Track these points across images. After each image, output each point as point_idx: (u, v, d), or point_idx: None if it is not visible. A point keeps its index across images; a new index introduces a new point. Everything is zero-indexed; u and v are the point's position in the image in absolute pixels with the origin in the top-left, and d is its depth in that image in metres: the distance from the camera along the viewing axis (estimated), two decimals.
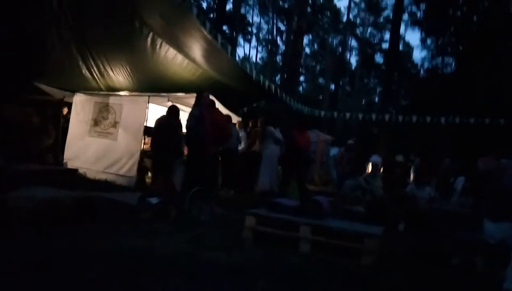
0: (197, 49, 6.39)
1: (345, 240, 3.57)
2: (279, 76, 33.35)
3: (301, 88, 38.66)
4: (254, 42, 41.17)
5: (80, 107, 7.65)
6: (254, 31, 39.41)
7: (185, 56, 6.71)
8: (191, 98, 6.72)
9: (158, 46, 6.30)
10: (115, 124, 7.17)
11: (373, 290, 2.79)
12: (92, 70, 6.99)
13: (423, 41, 26.83)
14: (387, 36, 31.99)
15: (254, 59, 40.65)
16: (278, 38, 39.10)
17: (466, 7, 19.85)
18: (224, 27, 28.54)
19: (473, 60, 17.51)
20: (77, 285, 2.24)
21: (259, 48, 42.80)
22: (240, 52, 39.36)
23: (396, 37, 19.80)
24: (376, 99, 39.04)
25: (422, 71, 28.38)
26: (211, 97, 6.76)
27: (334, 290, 2.75)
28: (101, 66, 6.89)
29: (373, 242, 3.48)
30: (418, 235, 4.95)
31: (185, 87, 7.11)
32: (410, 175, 10.29)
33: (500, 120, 10.64)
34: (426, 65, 26.65)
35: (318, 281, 2.93)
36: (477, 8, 19.62)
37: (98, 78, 7.26)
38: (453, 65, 22.33)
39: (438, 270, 3.60)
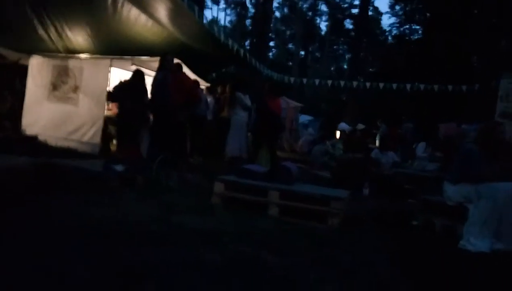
0: (162, 10, 6.08)
1: (312, 204, 3.65)
2: (248, 41, 32.67)
3: (270, 54, 38.20)
4: (222, 4, 39.80)
5: (37, 70, 7.19)
6: None
7: (149, 17, 6.39)
8: (156, 62, 6.47)
9: (119, 6, 5.94)
10: (75, 89, 6.80)
11: (337, 250, 2.88)
12: (49, 31, 6.54)
13: (391, 7, 26.95)
14: (357, 1, 31.80)
15: (222, 22, 39.56)
16: (247, 1, 38.04)
17: None
18: None
19: (438, 28, 17.82)
20: (44, 257, 2.15)
21: (228, 11, 41.58)
22: (208, 14, 38.11)
23: (366, 2, 19.75)
24: (345, 66, 39.30)
25: (390, 38, 28.65)
26: (178, 61, 6.54)
27: (302, 250, 2.82)
28: (58, 27, 6.45)
29: (338, 204, 3.58)
30: (382, 198, 5.13)
31: (150, 50, 6.80)
32: (375, 141, 10.59)
33: (462, 87, 11.00)
34: (394, 32, 26.88)
35: (286, 242, 3.00)
36: None
37: (56, 40, 6.81)
38: (419, 32, 22.65)
39: (400, 230, 3.77)
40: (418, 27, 22.72)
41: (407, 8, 22.86)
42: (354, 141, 7.96)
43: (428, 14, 21.03)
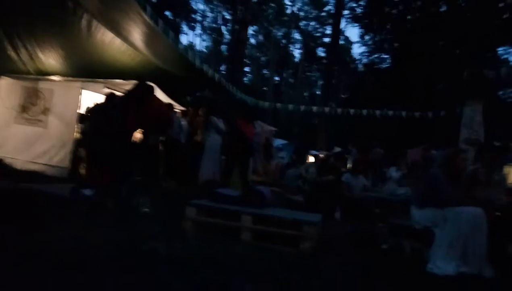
0: (136, 34, 6.12)
1: (285, 228, 3.66)
2: (224, 66, 33.07)
3: (245, 79, 38.71)
4: (198, 30, 40.29)
5: (6, 91, 7.02)
6: (199, 18, 38.59)
7: (123, 41, 6.41)
8: (128, 86, 6.44)
9: (93, 29, 5.96)
10: (45, 111, 6.67)
11: (310, 274, 2.89)
12: (19, 52, 6.45)
13: (361, 37, 28.07)
14: (329, 30, 32.95)
15: (198, 47, 39.93)
16: (223, 28, 38.70)
17: (401, 5, 21.03)
18: (167, 13, 27.62)
19: (406, 57, 18.68)
20: (7, 285, 2.05)
21: (204, 37, 42.10)
22: (184, 39, 38.40)
23: (337, 32, 20.54)
24: (318, 92, 40.27)
25: (360, 66, 29.69)
26: (150, 83, 6.55)
27: (274, 275, 2.80)
28: (29, 48, 6.39)
29: (311, 229, 3.60)
30: (353, 222, 5.21)
31: (124, 73, 6.79)
32: (346, 165, 10.78)
33: (428, 113, 11.48)
34: (364, 60, 27.91)
35: (258, 268, 2.98)
36: (411, 7, 20.90)
37: (26, 61, 6.71)
38: (388, 61, 23.61)
39: (370, 254, 3.82)
40: (387, 56, 23.70)
41: (376, 38, 23.86)
42: (327, 165, 8.09)
43: (396, 44, 22.03)
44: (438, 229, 3.50)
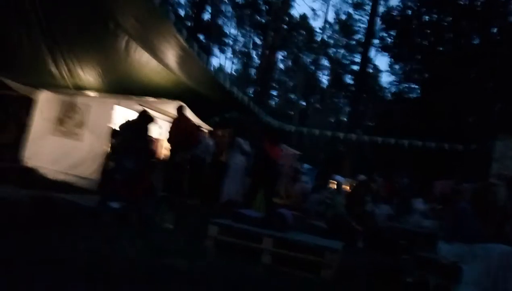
0: (171, 55, 6.36)
1: (306, 253, 3.63)
2: (252, 89, 33.58)
3: (273, 103, 39.08)
4: (229, 53, 41.26)
5: (45, 105, 7.39)
6: (230, 42, 39.60)
7: (158, 62, 6.67)
8: (161, 104, 6.66)
9: (131, 49, 6.21)
10: (81, 124, 6.96)
11: None
12: (62, 68, 6.79)
13: (391, 66, 27.96)
14: (357, 59, 33.04)
15: (228, 70, 40.77)
16: (254, 52, 39.48)
17: (433, 37, 20.91)
18: (201, 37, 28.53)
19: (436, 88, 18.43)
20: None
21: (234, 60, 43.03)
22: (215, 62, 39.38)
23: (366, 60, 20.59)
24: (344, 118, 40.04)
25: (389, 95, 29.44)
26: (181, 103, 6.78)
27: None
28: (71, 65, 6.71)
29: (333, 256, 3.56)
30: (376, 251, 5.09)
31: (156, 92, 7.04)
32: (371, 193, 10.60)
33: (458, 146, 11.20)
34: (393, 89, 27.68)
35: None
36: (443, 39, 20.74)
37: (67, 77, 7.06)
38: (417, 91, 23.32)
39: (393, 287, 3.72)
40: (416, 86, 23.45)
41: (406, 68, 23.70)
42: (356, 196, 7.98)
43: (426, 75, 21.81)
44: (465, 265, 3.38)
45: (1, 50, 6.28)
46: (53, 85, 7.37)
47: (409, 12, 21.79)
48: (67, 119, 7.12)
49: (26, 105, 7.59)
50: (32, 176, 6.46)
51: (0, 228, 3.20)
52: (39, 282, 2.29)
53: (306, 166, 19.00)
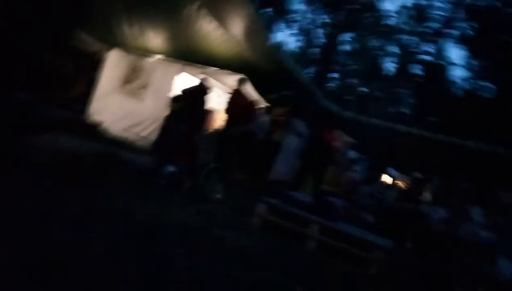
0: (238, 27, 6.29)
1: (352, 246, 3.52)
2: (313, 69, 32.83)
3: (333, 85, 38.03)
4: (296, 29, 40.38)
5: (115, 63, 7.70)
6: (298, 18, 38.65)
7: (226, 31, 6.63)
8: (223, 75, 6.67)
9: (201, 16, 6.22)
10: (145, 85, 7.20)
11: None
12: (133, 27, 6.99)
13: (466, 61, 25.90)
14: (431, 49, 30.90)
15: (292, 46, 40.05)
16: (320, 30, 38.34)
17: None
18: (268, 10, 28.11)
19: None
20: (82, 242, 2.24)
21: (299, 37, 42.13)
22: (279, 37, 38.82)
23: (440, 52, 19.18)
24: (405, 111, 38.13)
25: (460, 91, 27.43)
26: (242, 76, 6.76)
27: None
28: (144, 26, 6.88)
29: (381, 253, 3.42)
30: (426, 256, 4.84)
31: (218, 63, 7.05)
32: (426, 193, 10.08)
33: None
34: (465, 86, 25.70)
35: (318, 280, 2.90)
36: None
37: (137, 37, 7.26)
38: (492, 91, 21.46)
39: None
40: (493, 86, 21.54)
41: (485, 65, 21.84)
42: (410, 191, 7.63)
43: (505, 75, 19.96)
44: None
45: (79, 5, 6.57)
46: (124, 45, 7.63)
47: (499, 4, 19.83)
48: (133, 79, 7.38)
49: (97, 61, 7.95)
50: (96, 130, 6.82)
51: (64, 177, 3.39)
52: (96, 235, 2.39)
53: (359, 155, 18.47)
